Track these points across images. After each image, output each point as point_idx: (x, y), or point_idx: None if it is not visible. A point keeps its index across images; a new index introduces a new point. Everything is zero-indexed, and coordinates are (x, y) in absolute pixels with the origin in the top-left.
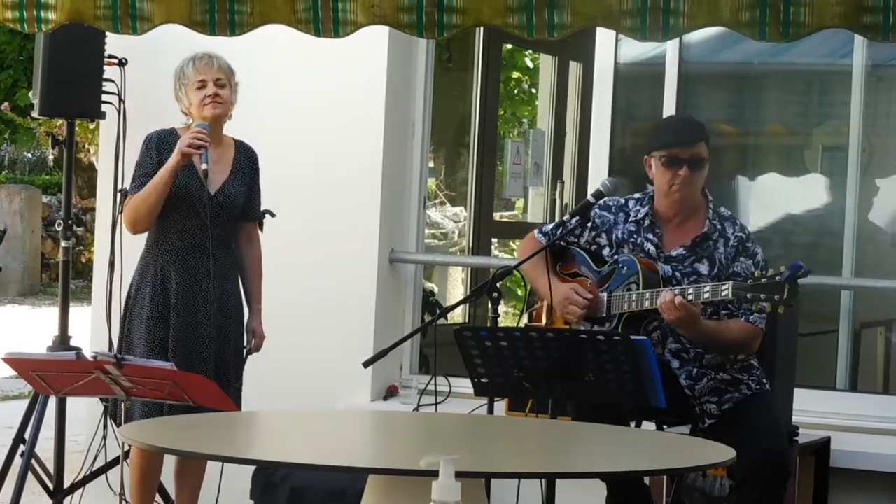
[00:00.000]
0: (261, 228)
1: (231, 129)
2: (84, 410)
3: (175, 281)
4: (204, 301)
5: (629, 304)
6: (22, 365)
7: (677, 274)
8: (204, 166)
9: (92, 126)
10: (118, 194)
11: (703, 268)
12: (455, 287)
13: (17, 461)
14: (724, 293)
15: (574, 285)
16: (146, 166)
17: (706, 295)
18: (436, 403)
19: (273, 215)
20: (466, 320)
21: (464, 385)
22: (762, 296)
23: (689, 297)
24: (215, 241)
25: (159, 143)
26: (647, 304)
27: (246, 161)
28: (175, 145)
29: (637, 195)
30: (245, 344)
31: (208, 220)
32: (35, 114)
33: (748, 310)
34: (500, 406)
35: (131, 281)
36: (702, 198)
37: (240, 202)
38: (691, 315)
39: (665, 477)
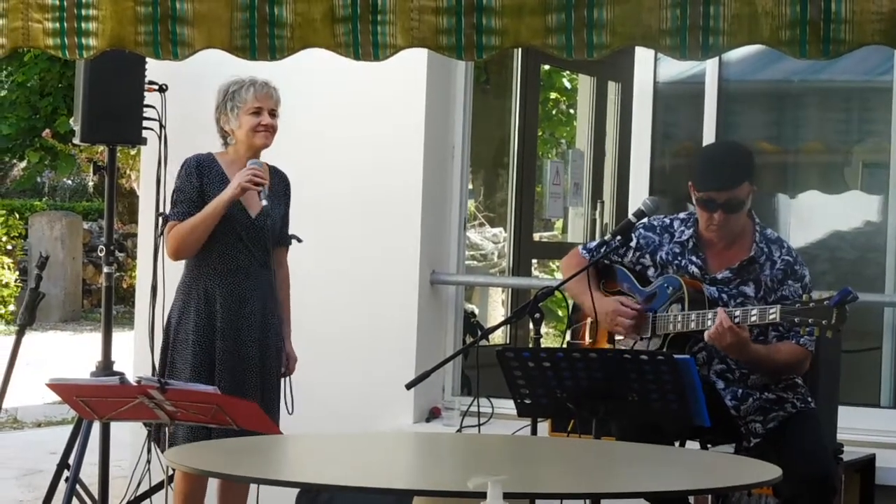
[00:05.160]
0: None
1: (271, 153)
2: (127, 435)
3: (220, 304)
4: (247, 323)
5: (674, 325)
6: (66, 390)
7: (723, 296)
8: (264, 202)
9: (133, 152)
10: (158, 218)
11: (750, 290)
12: (495, 308)
13: (62, 486)
14: (771, 316)
15: (619, 297)
16: (187, 191)
17: (753, 318)
18: (479, 425)
19: (300, 241)
20: (507, 341)
21: (506, 406)
22: (810, 319)
23: (736, 320)
24: (257, 263)
25: (199, 168)
26: (692, 325)
27: (281, 186)
28: (214, 171)
29: (682, 215)
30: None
31: (249, 243)
32: (76, 140)
33: (797, 332)
34: (544, 427)
35: (172, 306)
36: (747, 220)
37: (278, 226)
38: (741, 340)
39: (710, 496)
